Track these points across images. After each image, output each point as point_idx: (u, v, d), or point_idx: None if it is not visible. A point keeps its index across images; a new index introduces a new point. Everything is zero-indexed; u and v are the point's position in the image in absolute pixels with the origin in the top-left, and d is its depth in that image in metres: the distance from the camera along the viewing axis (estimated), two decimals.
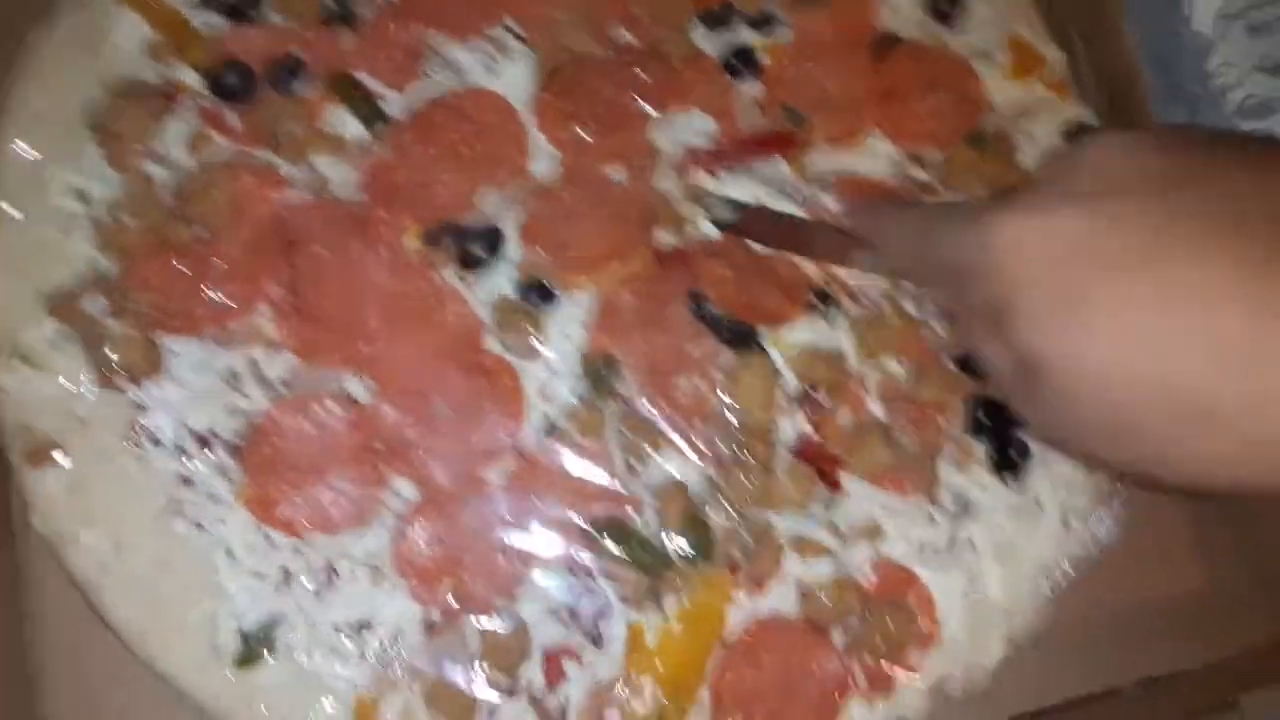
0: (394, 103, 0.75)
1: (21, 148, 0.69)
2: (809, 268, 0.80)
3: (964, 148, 0.86)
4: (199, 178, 0.69)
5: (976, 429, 0.78)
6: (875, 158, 0.85)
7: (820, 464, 0.75)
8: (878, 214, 0.68)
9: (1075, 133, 0.90)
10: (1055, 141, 0.91)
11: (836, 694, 0.72)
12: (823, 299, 0.79)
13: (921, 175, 0.85)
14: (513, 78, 0.78)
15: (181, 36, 0.73)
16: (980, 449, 0.78)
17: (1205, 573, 0.84)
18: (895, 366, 0.78)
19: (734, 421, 0.73)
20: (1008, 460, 0.78)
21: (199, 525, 0.66)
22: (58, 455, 0.65)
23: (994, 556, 0.77)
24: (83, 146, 0.70)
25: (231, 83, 0.72)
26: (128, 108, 0.69)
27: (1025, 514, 0.78)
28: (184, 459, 0.66)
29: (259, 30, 0.74)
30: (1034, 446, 0.79)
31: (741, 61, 0.83)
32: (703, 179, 0.81)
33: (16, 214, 0.68)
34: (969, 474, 0.78)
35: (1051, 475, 0.79)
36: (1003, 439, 0.78)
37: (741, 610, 0.71)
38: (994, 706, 0.78)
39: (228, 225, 0.69)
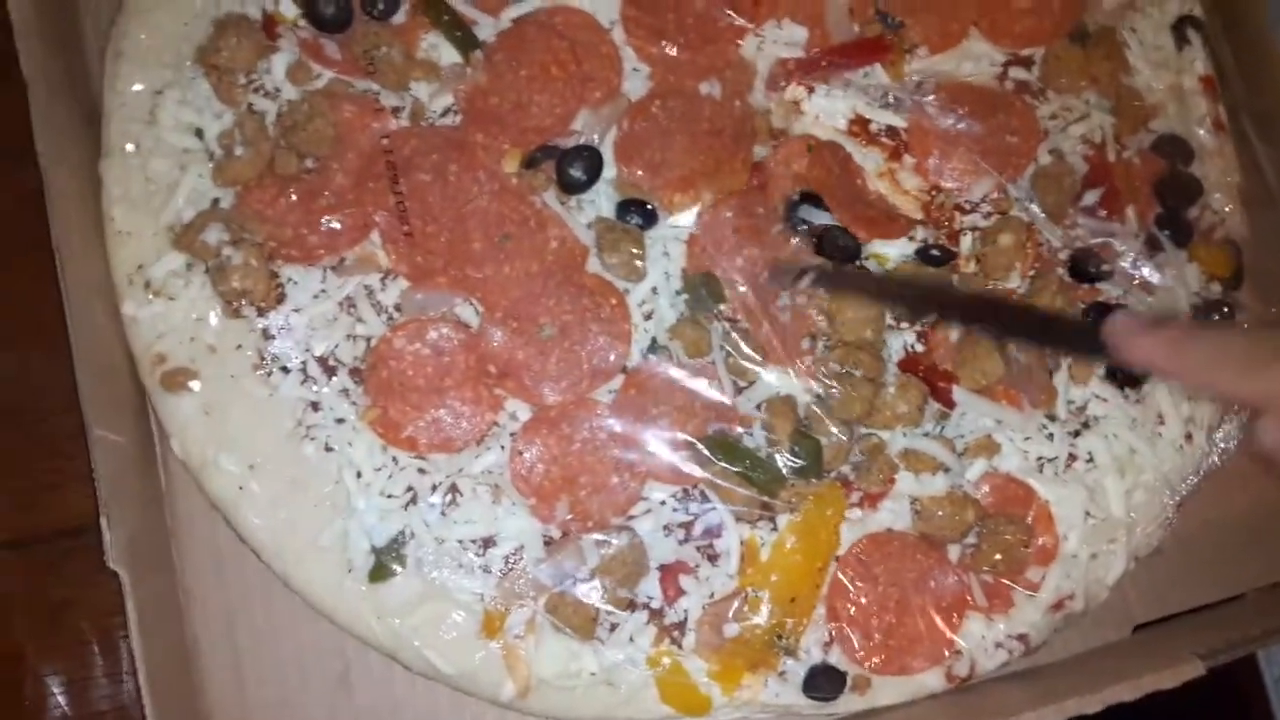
0: (487, 27, 0.79)
1: (136, 86, 0.74)
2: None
3: (1067, 45, 0.87)
4: (302, 108, 0.73)
5: None
6: (975, 60, 0.87)
7: (930, 378, 0.78)
8: (1180, 347, 0.60)
9: (1182, 26, 0.91)
10: (1163, 38, 0.92)
11: (954, 610, 0.75)
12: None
13: (1024, 76, 0.87)
14: None
15: None
16: (1098, 362, 0.80)
17: None
18: (1009, 276, 0.81)
19: (840, 337, 0.76)
20: (1128, 373, 0.80)
21: (327, 447, 0.71)
22: (191, 383, 0.71)
23: (1114, 470, 0.79)
24: (192, 82, 0.75)
25: (328, 12, 0.75)
26: (232, 42, 0.73)
27: (1146, 427, 0.81)
28: (310, 384, 0.71)
29: None
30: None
31: None
32: (798, 91, 0.85)
33: (132, 149, 0.74)
34: (1087, 387, 0.80)
35: (1172, 388, 0.81)
36: None
37: (855, 526, 0.75)
38: (1116, 615, 0.82)
39: (333, 154, 0.74)
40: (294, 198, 0.73)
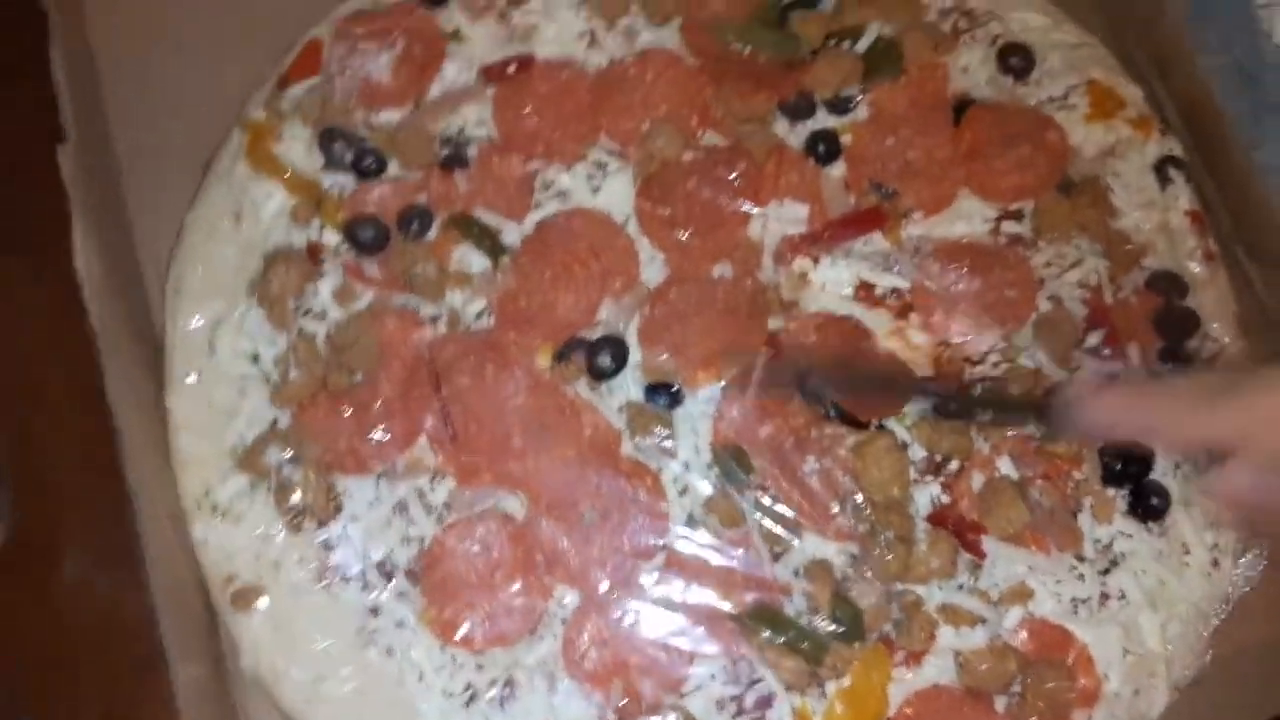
0: (512, 233, 0.87)
1: (195, 321, 0.82)
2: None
3: (1054, 196, 0.94)
4: (349, 327, 0.81)
5: (1112, 478, 0.84)
6: (969, 219, 0.94)
7: (959, 530, 0.82)
8: (1142, 399, 0.63)
9: (1163, 166, 0.98)
10: (1146, 179, 1.01)
11: None
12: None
13: (1016, 229, 0.93)
14: (614, 191, 0.89)
15: (317, 199, 0.86)
16: (1118, 498, 0.84)
17: None
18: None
19: (868, 498, 0.81)
20: (1149, 507, 0.84)
21: (389, 651, 0.76)
22: (259, 600, 0.76)
23: (1147, 605, 0.82)
24: (246, 311, 0.83)
25: (367, 236, 0.84)
26: (281, 271, 0.81)
27: (1173, 558, 0.84)
28: (370, 590, 0.77)
29: (383, 185, 0.87)
30: (1173, 489, 0.85)
31: (824, 145, 0.92)
32: (804, 264, 0.92)
33: (194, 380, 0.82)
34: (1111, 524, 0.84)
35: (1194, 517, 0.85)
36: (1140, 486, 0.85)
37: (902, 685, 0.78)
38: None
39: (380, 367, 0.81)
40: (347, 412, 0.79)
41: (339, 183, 0.88)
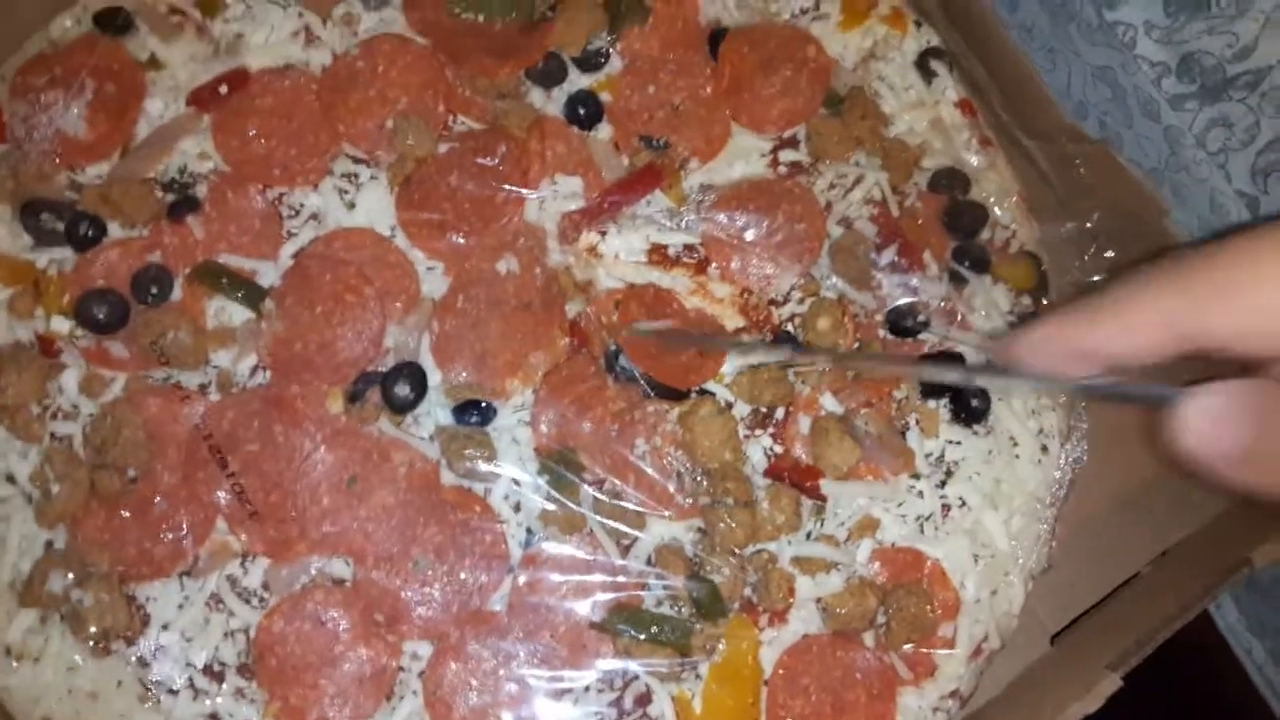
0: (269, 271, 0.87)
1: None
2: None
3: (824, 116, 1.01)
4: (106, 421, 0.79)
5: (930, 391, 0.93)
6: (746, 157, 1.00)
7: (797, 479, 0.89)
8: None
9: (924, 60, 1.05)
10: (911, 77, 1.09)
11: (886, 692, 0.86)
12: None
13: (794, 157, 1.00)
14: (371, 203, 0.90)
15: (35, 284, 0.83)
16: (940, 408, 0.93)
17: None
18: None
19: (702, 468, 0.86)
20: (970, 410, 0.94)
21: None
22: None
23: (988, 506, 0.92)
24: None
25: (100, 314, 0.82)
26: (11, 376, 0.79)
27: (1003, 454, 0.94)
28: (202, 697, 0.77)
29: (107, 250, 0.85)
30: (991, 387, 0.94)
31: (584, 108, 0.96)
32: (591, 239, 0.96)
33: None
34: (938, 436, 0.93)
35: (1015, 409, 0.95)
36: (958, 392, 0.94)
37: (772, 646, 0.85)
38: (1031, 634, 0.94)
39: (153, 457, 0.80)
40: (126, 515, 0.79)
41: (56, 259, 0.85)
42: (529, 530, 0.85)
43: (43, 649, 0.78)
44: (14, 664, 0.77)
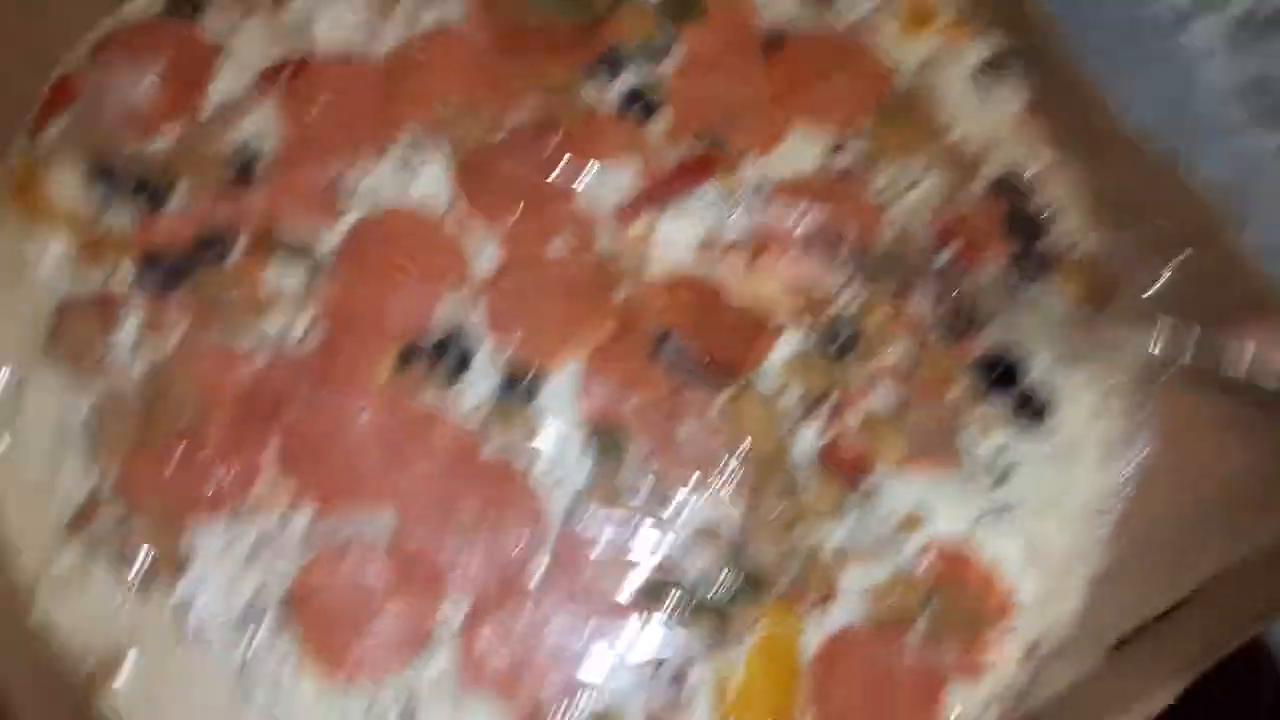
0: (325, 242, 0.93)
1: None
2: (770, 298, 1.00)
3: (881, 120, 1.05)
4: (161, 375, 0.86)
5: (991, 387, 0.96)
6: (801, 155, 1.04)
7: (845, 468, 0.92)
8: None
9: (987, 70, 1.10)
10: (971, 85, 1.12)
11: (932, 689, 0.88)
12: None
13: (849, 159, 1.04)
14: (427, 184, 0.96)
15: (100, 239, 0.90)
16: (1001, 407, 0.96)
17: (1244, 452, 1.00)
18: (889, 351, 0.96)
19: (748, 453, 0.90)
20: (1032, 409, 0.96)
21: (273, 699, 0.81)
22: (120, 671, 0.81)
23: (1046, 509, 0.94)
24: (45, 374, 0.87)
25: (162, 272, 0.89)
26: (73, 326, 0.86)
27: (1063, 456, 0.95)
28: (239, 641, 0.82)
29: (172, 213, 0.92)
30: (1056, 386, 0.97)
31: (639, 102, 1.02)
32: (642, 227, 1.01)
33: (4, 449, 0.86)
34: (996, 433, 0.95)
35: (1078, 410, 0.97)
36: (1020, 390, 0.96)
37: (811, 634, 0.87)
38: (1089, 641, 0.94)
39: (204, 410, 0.86)
40: (176, 461, 0.84)
41: (122, 218, 0.92)
42: (569, 503, 0.89)
43: (86, 584, 0.83)
44: (57, 597, 0.83)
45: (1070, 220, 1.07)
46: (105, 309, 0.89)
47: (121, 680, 0.81)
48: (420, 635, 0.84)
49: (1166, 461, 0.99)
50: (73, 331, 0.87)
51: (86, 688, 0.82)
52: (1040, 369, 0.98)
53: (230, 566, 0.84)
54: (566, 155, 0.99)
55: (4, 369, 0.88)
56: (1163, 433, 0.99)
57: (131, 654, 0.82)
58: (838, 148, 1.05)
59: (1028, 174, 1.07)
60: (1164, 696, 0.84)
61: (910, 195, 1.04)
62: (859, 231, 1.02)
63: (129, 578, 0.83)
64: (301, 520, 0.86)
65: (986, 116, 1.09)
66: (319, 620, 0.83)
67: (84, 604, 0.83)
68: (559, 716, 0.83)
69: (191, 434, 0.86)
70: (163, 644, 0.82)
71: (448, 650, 0.84)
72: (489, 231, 0.97)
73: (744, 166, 1.03)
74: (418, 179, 0.97)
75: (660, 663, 0.85)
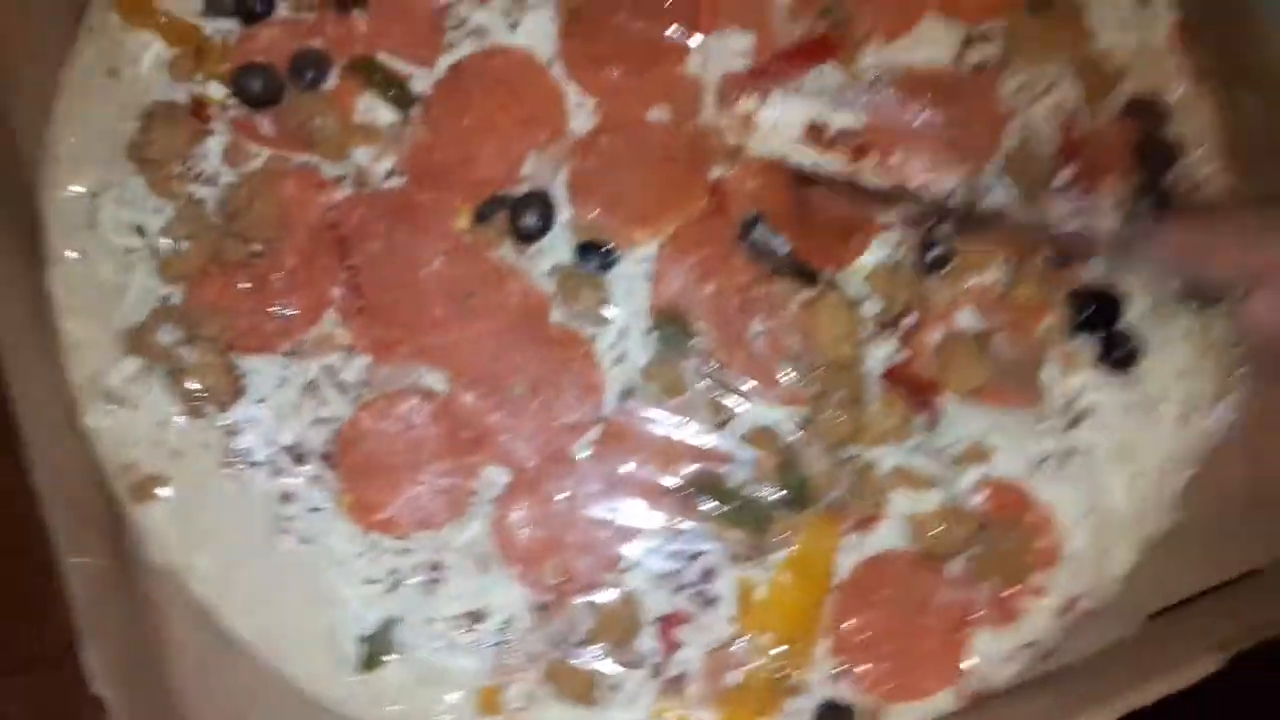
0: (422, 79, 0.87)
1: (71, 190, 0.83)
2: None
3: (1025, 16, 0.94)
4: (243, 191, 0.82)
5: (1083, 325, 0.88)
6: (933, 45, 0.94)
7: (915, 389, 0.86)
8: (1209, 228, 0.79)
9: None
10: None
11: (961, 627, 0.84)
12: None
13: (984, 54, 0.93)
14: (534, 28, 0.89)
15: (198, 48, 0.85)
16: (1088, 348, 0.88)
17: None
18: (984, 274, 0.89)
19: (818, 358, 0.84)
20: (1120, 355, 0.88)
21: (305, 538, 0.80)
22: (160, 489, 0.80)
23: (1114, 460, 0.87)
24: (127, 178, 0.84)
25: (255, 88, 0.84)
26: (161, 132, 0.82)
27: (1143, 411, 0.88)
28: (281, 475, 0.81)
29: (272, 28, 0.86)
30: (1148, 335, 0.89)
31: None
32: (750, 104, 0.93)
33: (75, 256, 0.83)
34: (1078, 376, 0.88)
35: (1167, 366, 0.89)
36: (1110, 333, 0.88)
37: (851, 551, 0.84)
38: (1128, 607, 0.89)
39: (279, 235, 0.83)
40: (245, 286, 0.82)
41: (222, 28, 0.87)
42: (627, 384, 0.84)
43: (140, 398, 0.82)
44: (111, 408, 0.82)
45: (1203, 156, 0.96)
46: (196, 118, 0.86)
47: (162, 498, 0.81)
48: (457, 499, 0.82)
49: (1247, 440, 0.91)
50: (161, 137, 0.84)
51: (124, 502, 0.82)
52: (1136, 313, 0.90)
53: (281, 403, 0.83)
54: (686, 11, 0.90)
55: (75, 186, 0.84)
56: (1250, 409, 0.91)
57: (174, 474, 0.82)
58: (969, 42, 0.95)
59: (1168, 99, 0.96)
60: (1193, 673, 0.79)
61: (1041, 102, 0.94)
62: (980, 135, 0.91)
63: (181, 400, 0.82)
64: (358, 365, 0.84)
65: (1134, 30, 0.97)
66: (360, 468, 0.82)
67: (133, 419, 0.82)
68: (577, 605, 0.80)
69: (264, 259, 0.84)
70: (205, 469, 0.82)
71: (481, 519, 0.82)
72: (591, 86, 0.90)
73: (866, 53, 0.93)
74: (525, 20, 0.90)
75: (694, 556, 0.81)
